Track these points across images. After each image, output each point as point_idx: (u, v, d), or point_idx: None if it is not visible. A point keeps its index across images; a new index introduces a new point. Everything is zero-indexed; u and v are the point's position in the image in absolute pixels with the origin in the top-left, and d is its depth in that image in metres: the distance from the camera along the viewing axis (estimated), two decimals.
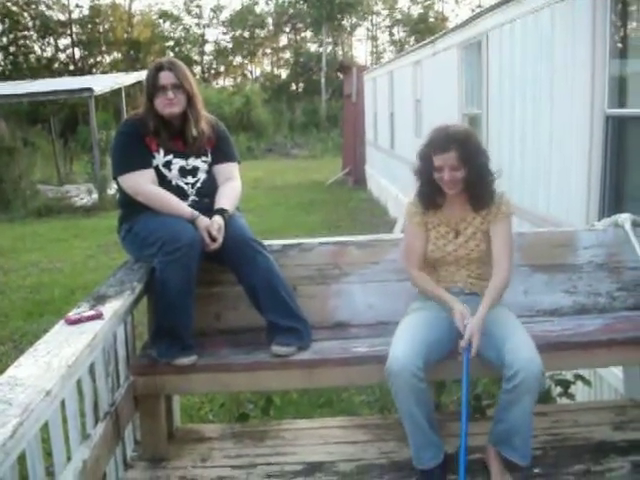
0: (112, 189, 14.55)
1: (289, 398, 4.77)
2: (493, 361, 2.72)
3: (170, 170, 3.13)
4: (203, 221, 2.99)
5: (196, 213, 3.02)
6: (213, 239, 2.96)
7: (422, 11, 48.94)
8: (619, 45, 4.43)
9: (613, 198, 4.36)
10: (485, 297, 2.80)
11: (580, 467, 2.81)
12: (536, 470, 2.80)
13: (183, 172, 3.15)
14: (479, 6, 38.47)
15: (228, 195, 3.18)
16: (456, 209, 2.94)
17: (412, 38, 45.62)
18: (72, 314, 2.44)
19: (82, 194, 16.50)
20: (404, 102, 12.44)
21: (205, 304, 3.19)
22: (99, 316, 2.44)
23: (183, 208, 3.05)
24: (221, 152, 3.28)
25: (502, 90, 6.51)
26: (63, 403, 2.12)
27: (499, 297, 2.86)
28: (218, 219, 3.01)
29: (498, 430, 2.73)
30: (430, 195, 2.95)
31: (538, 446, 2.98)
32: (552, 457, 2.91)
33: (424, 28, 43.87)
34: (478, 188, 2.88)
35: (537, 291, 3.37)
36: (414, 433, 2.68)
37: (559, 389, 3.93)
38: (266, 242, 3.17)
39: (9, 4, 39.46)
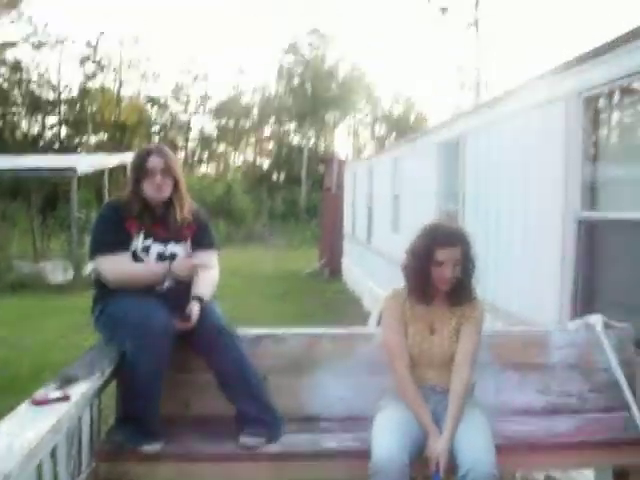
0: (87, 269, 14.46)
1: None
2: (452, 459, 2.71)
3: (148, 255, 3.14)
4: (178, 262, 3.03)
5: (167, 264, 3.05)
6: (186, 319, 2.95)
7: (403, 110, 50.40)
8: (591, 150, 4.59)
9: (585, 299, 4.42)
10: (450, 410, 2.81)
11: None
12: None
13: (160, 258, 3.16)
14: (457, 107, 39.75)
15: (205, 283, 3.18)
16: (433, 306, 2.97)
17: (393, 135, 46.79)
18: (38, 395, 2.39)
19: (57, 271, 16.33)
20: (383, 197, 12.64)
21: (175, 390, 3.14)
22: (66, 398, 2.39)
23: (152, 268, 3.06)
24: (201, 239, 3.31)
25: (478, 189, 6.66)
26: None
27: (463, 401, 2.86)
28: (195, 305, 3.00)
29: None
30: (422, 290, 2.96)
31: None
32: None
33: (405, 126, 45.06)
34: (464, 284, 2.93)
35: (509, 390, 3.37)
36: None
37: None
38: (240, 331, 3.16)
39: (0, 80, 40.12)
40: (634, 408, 3.15)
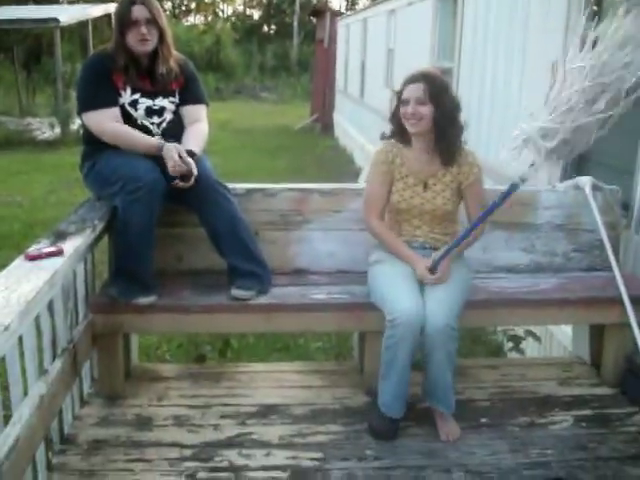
0: (75, 124, 14.25)
1: (246, 342, 4.82)
2: None
3: (136, 109, 3.07)
4: (171, 145, 2.94)
5: (162, 141, 2.98)
6: (185, 176, 2.92)
7: None
8: (594, 8, 4.43)
9: (576, 160, 4.41)
10: (448, 245, 2.86)
11: (525, 419, 2.92)
12: (483, 420, 2.90)
13: (149, 112, 3.10)
14: None
15: (195, 137, 3.14)
16: (425, 162, 2.95)
17: None
18: (32, 250, 2.41)
19: (44, 127, 16.11)
20: (377, 51, 12.33)
21: (166, 245, 3.19)
22: (59, 253, 2.42)
23: (148, 139, 3.00)
24: (189, 93, 3.23)
25: (475, 45, 6.49)
26: (21, 339, 2.12)
27: (464, 247, 2.93)
28: (189, 159, 2.96)
29: (424, 384, 2.82)
30: (399, 134, 2.97)
31: (486, 397, 3.10)
32: (499, 409, 3.01)
33: None
34: (447, 134, 2.87)
35: (496, 248, 3.43)
36: (397, 383, 2.71)
37: (510, 344, 4.05)
38: (230, 185, 3.15)
39: None
40: (616, 269, 3.23)
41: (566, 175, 4.36)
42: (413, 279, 2.82)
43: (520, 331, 4.05)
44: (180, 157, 2.89)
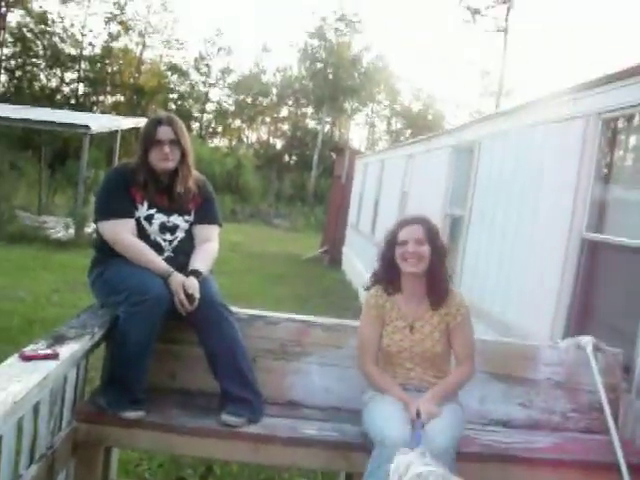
0: (90, 227, 14.47)
1: (229, 469, 4.66)
2: None
3: (151, 224, 3.15)
4: (177, 277, 2.99)
5: (171, 269, 3.02)
6: (188, 296, 2.96)
7: (422, 107, 50.27)
8: (604, 171, 4.58)
9: (580, 317, 4.42)
10: (438, 385, 2.86)
11: None
12: None
13: (163, 228, 3.17)
14: (478, 112, 39.63)
15: (204, 257, 3.19)
16: (414, 304, 3.01)
17: (409, 131, 46.69)
18: (28, 350, 2.40)
19: (59, 227, 16.35)
20: (391, 191, 12.63)
21: (162, 361, 3.16)
22: (55, 356, 2.40)
23: (159, 263, 3.05)
24: (204, 213, 3.31)
25: (487, 196, 6.65)
26: (0, 439, 2.07)
27: (455, 388, 2.91)
28: (193, 280, 3.01)
29: None
30: (389, 278, 3.04)
31: None
32: None
33: (422, 124, 44.96)
34: (440, 275, 2.98)
35: (493, 400, 3.38)
36: None
37: None
38: (234, 309, 3.17)
39: (25, 29, 40.00)
40: (614, 433, 3.16)
41: (569, 331, 4.35)
42: (405, 413, 2.79)
43: None
44: (185, 291, 2.96)
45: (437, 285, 2.99)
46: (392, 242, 3.01)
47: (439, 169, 8.71)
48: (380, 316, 3.03)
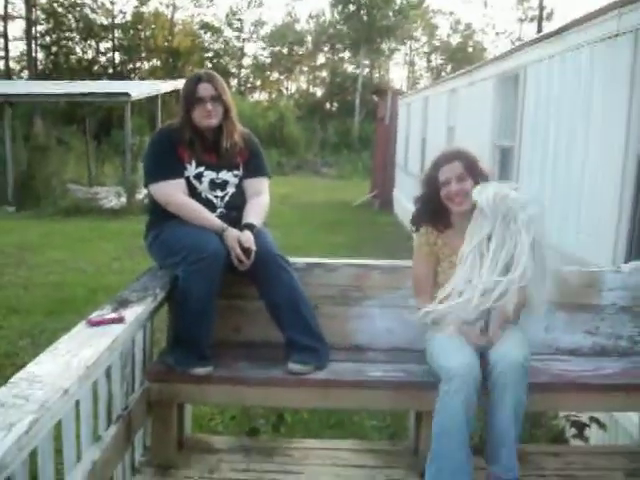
0: (141, 194, 14.68)
1: (300, 416, 4.75)
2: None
3: (201, 182, 3.16)
4: (232, 233, 3.01)
5: (225, 225, 3.04)
6: (245, 250, 2.97)
7: (461, 40, 49.03)
8: None
9: None
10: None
11: None
12: None
13: (213, 185, 3.18)
14: (519, 39, 38.47)
15: (256, 210, 3.20)
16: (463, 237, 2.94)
17: (449, 66, 45.68)
18: (94, 316, 2.46)
19: (111, 196, 16.63)
20: (437, 128, 12.44)
21: (225, 316, 3.20)
22: (120, 320, 2.46)
23: (213, 220, 3.07)
24: (253, 166, 3.31)
25: (536, 124, 6.49)
26: (78, 403, 2.13)
27: (517, 313, 2.88)
28: (248, 233, 3.02)
29: (487, 446, 2.71)
30: (438, 217, 3.00)
31: None
32: None
33: (462, 57, 43.90)
34: None
35: (558, 329, 3.35)
36: (452, 452, 2.57)
37: (573, 430, 3.88)
38: (291, 259, 3.18)
39: (55, 5, 40.16)
40: None
41: (631, 255, 4.26)
42: (467, 344, 2.78)
43: (583, 417, 3.89)
44: (241, 246, 2.97)
45: None
46: (434, 184, 2.95)
47: (485, 101, 8.52)
48: (433, 253, 3.00)
